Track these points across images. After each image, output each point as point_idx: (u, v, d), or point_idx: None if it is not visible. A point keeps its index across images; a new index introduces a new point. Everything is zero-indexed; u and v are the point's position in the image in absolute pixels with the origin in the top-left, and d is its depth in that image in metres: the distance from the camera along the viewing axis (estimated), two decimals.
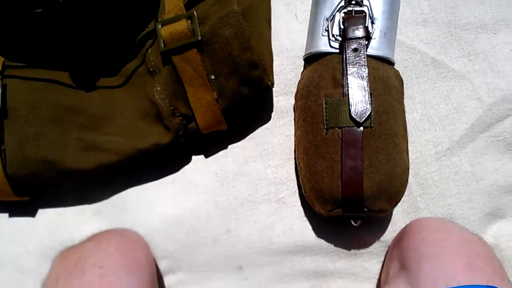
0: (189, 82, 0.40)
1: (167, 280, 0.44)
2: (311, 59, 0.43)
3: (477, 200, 0.44)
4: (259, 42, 0.41)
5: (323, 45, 0.42)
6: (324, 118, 0.39)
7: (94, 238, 0.36)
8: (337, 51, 0.41)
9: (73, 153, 0.40)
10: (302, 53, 0.45)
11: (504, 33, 0.48)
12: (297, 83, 0.44)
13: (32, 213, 0.44)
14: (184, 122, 0.41)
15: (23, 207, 0.43)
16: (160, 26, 0.40)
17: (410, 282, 0.34)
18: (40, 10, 0.36)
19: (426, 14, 0.49)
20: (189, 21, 0.39)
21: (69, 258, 0.34)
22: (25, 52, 0.42)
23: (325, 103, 0.39)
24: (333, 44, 0.41)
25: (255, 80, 0.40)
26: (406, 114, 0.45)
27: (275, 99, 0.47)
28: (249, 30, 0.39)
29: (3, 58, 0.41)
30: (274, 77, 0.45)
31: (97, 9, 0.40)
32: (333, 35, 0.41)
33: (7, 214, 0.44)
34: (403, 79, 0.44)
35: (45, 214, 0.44)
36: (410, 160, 0.43)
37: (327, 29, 0.42)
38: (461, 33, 0.48)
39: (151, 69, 0.41)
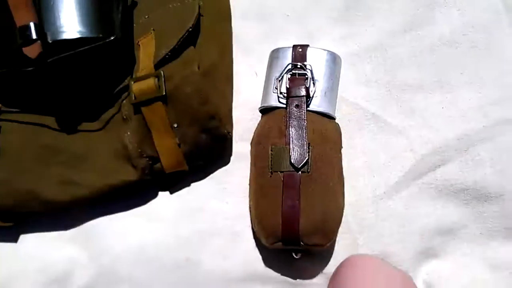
0: (155, 129, 0.46)
1: None
2: (264, 111, 0.50)
3: (410, 240, 0.50)
4: (217, 97, 0.48)
5: (273, 100, 0.49)
6: (270, 163, 0.45)
7: None
8: (284, 106, 0.48)
9: (53, 187, 0.46)
10: (259, 105, 0.52)
11: (439, 93, 0.55)
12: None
13: (15, 239, 0.50)
14: (150, 162, 0.47)
15: (7, 232, 0.49)
16: (132, 83, 0.47)
17: None
18: (31, 68, 0.43)
19: (368, 75, 0.56)
20: (157, 79, 0.46)
21: None
22: (18, 99, 0.49)
23: (271, 150, 0.45)
24: (281, 100, 0.48)
25: (213, 129, 0.47)
26: (348, 161, 0.51)
27: (234, 144, 0.53)
28: (207, 87, 0.46)
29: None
30: (235, 125, 0.52)
31: (80, 68, 0.47)
32: (281, 93, 0.48)
33: None
34: (347, 130, 0.51)
35: (26, 239, 0.49)
36: (350, 201, 0.49)
37: (276, 87, 0.49)
38: (399, 93, 0.56)
39: (124, 117, 0.48)
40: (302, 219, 0.42)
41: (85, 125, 0.49)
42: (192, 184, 0.51)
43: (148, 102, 0.46)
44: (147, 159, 0.47)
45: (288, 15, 0.59)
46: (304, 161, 0.44)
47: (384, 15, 0.58)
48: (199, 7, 0.48)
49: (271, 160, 0.45)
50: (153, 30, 0.49)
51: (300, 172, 0.44)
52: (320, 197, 0.44)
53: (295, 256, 0.45)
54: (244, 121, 0.54)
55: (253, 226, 0.47)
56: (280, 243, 0.44)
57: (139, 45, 0.49)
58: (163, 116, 0.46)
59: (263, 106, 0.50)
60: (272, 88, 0.49)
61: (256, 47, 0.57)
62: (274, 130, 0.47)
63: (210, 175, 0.52)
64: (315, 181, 0.44)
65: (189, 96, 0.46)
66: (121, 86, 0.49)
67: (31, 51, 0.44)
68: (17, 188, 0.46)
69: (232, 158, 0.53)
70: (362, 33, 0.58)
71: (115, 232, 0.49)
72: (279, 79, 0.49)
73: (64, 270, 0.49)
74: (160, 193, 0.51)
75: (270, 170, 0.45)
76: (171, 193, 0.51)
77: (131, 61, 0.49)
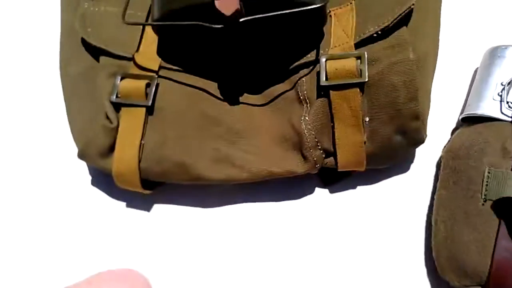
0: (341, 119, 0.39)
1: None
2: (471, 119, 0.41)
3: None
4: (424, 94, 0.40)
5: (492, 110, 0.39)
6: (484, 188, 0.36)
7: (87, 281, 0.31)
8: (509, 119, 0.38)
9: (207, 162, 0.40)
10: (449, 108, 0.43)
11: None
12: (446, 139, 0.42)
13: (148, 207, 0.45)
14: (324, 156, 0.40)
15: (141, 198, 0.44)
16: (324, 60, 0.39)
17: None
18: (219, 26, 0.36)
19: None
20: (358, 61, 0.38)
21: None
22: (181, 57, 0.42)
23: (489, 172, 0.36)
24: (504, 111, 0.39)
25: (412, 131, 0.39)
26: None
27: (417, 150, 0.44)
28: (419, 80, 0.38)
29: (160, 59, 0.42)
30: None
31: (269, 33, 0.40)
32: (507, 102, 0.39)
33: (125, 203, 0.45)
34: None
35: (161, 209, 0.44)
36: None
37: (500, 94, 0.39)
38: None
39: (302, 98, 0.41)
40: None
41: (246, 97, 0.42)
42: (359, 187, 0.44)
43: (342, 86, 0.38)
44: (321, 151, 0.40)
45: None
46: None
47: None
48: None
49: (487, 185, 0.36)
50: (353, 0, 0.41)
51: None
52: None
53: None
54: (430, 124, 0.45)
55: (436, 257, 0.38)
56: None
57: (330, 16, 0.42)
58: (356, 107, 0.38)
59: (475, 114, 0.40)
60: (491, 94, 0.40)
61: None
62: (493, 147, 0.37)
63: (381, 181, 0.44)
64: None
65: (396, 88, 0.38)
66: (302, 61, 0.41)
67: (226, 7, 0.36)
68: (169, 157, 0.40)
69: (411, 165, 0.44)
70: None
71: (262, 226, 0.43)
72: (507, 85, 0.39)
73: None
74: (317, 189, 0.44)
75: (483, 196, 0.36)
76: (330, 192, 0.44)
77: (318, 33, 0.41)
